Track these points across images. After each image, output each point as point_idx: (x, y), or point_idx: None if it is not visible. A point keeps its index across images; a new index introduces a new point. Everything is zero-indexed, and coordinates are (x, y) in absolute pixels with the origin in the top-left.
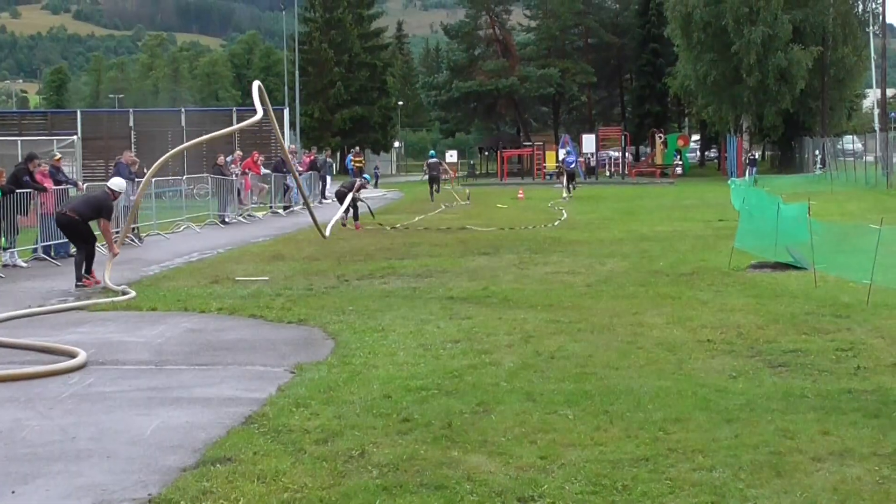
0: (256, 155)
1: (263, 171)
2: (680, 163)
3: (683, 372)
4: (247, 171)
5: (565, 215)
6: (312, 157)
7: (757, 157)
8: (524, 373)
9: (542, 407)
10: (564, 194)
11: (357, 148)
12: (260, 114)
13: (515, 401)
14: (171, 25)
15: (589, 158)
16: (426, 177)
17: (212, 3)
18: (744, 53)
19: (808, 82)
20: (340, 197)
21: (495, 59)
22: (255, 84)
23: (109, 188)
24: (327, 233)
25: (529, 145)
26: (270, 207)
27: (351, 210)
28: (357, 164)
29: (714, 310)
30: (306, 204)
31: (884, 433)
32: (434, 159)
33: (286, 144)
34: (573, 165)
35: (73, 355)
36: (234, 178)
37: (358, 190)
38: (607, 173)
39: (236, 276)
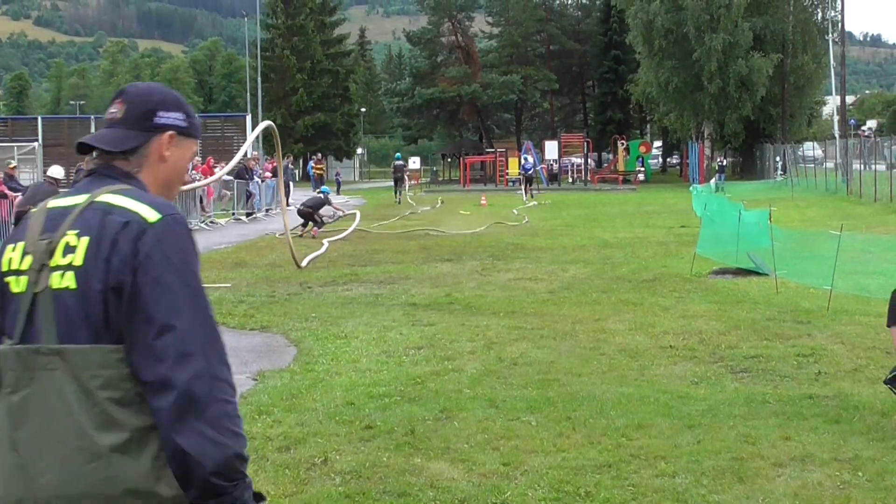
0: (212, 161)
1: (225, 176)
2: (642, 169)
3: (646, 378)
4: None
5: (526, 220)
6: (276, 164)
7: (725, 164)
8: (487, 379)
9: (505, 413)
10: (524, 199)
11: (318, 155)
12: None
13: (478, 407)
14: (133, 32)
15: (551, 165)
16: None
17: (173, 10)
18: (705, 61)
19: (768, 89)
20: (305, 216)
21: (458, 66)
22: (267, 124)
23: (50, 177)
24: (304, 263)
25: (492, 152)
26: (233, 214)
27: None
28: (318, 171)
29: (676, 316)
30: (286, 231)
31: (844, 438)
32: (400, 161)
33: (248, 151)
34: (531, 171)
35: None
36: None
37: (319, 208)
38: (570, 180)
39: None
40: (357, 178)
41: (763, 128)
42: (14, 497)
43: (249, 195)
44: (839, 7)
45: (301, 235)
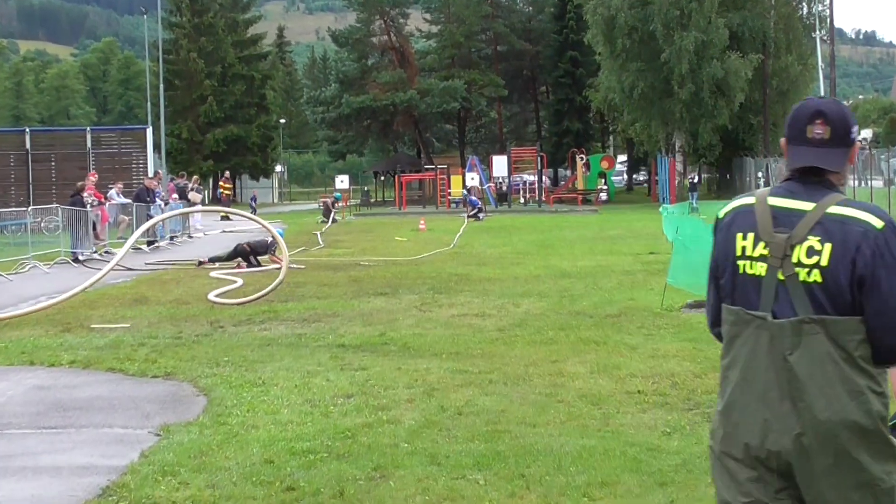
0: (94, 176)
1: (121, 200)
2: (605, 187)
3: (610, 428)
4: (102, 200)
5: (455, 243)
6: (182, 184)
7: (699, 181)
8: (427, 432)
9: (449, 471)
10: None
11: (227, 173)
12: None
13: (417, 464)
14: (13, 31)
15: (500, 183)
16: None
17: (60, 6)
18: (675, 62)
19: (747, 95)
20: (241, 253)
21: (391, 70)
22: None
23: None
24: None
25: (432, 169)
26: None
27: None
28: (226, 192)
29: (645, 356)
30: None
31: None
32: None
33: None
34: (479, 204)
35: None
36: (89, 208)
37: (262, 252)
38: (521, 200)
39: (92, 323)
40: (276, 200)
41: (742, 139)
42: (786, 434)
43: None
44: (827, 0)
45: (200, 263)
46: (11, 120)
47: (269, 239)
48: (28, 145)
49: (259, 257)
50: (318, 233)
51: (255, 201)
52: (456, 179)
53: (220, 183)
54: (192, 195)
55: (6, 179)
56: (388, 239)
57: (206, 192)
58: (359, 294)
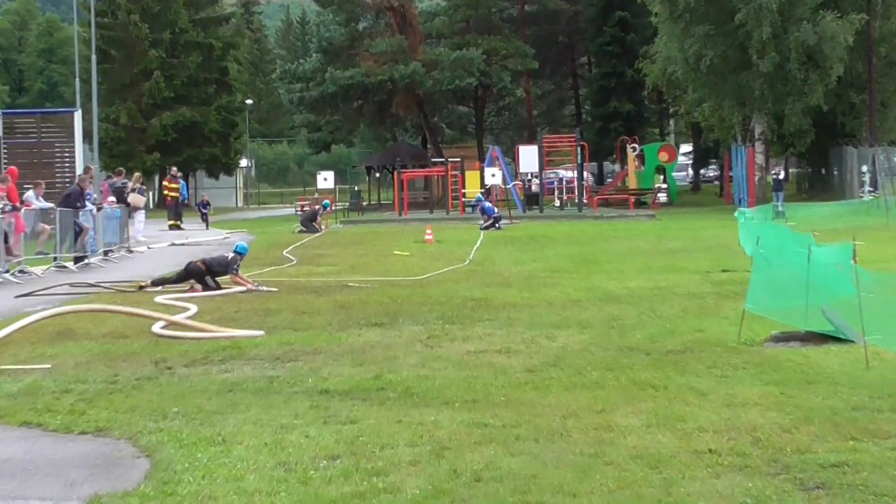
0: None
1: (42, 204)
2: (664, 186)
3: (673, 499)
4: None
5: (471, 258)
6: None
7: (783, 177)
8: (436, 503)
9: None
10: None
11: (174, 169)
12: None
13: None
14: None
15: (529, 181)
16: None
17: None
18: (753, 25)
19: (848, 67)
20: (194, 273)
21: (389, 37)
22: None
23: None
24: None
25: (441, 163)
26: (55, 259)
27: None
28: (170, 195)
29: (717, 404)
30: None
31: None
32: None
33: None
34: (495, 212)
35: None
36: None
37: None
38: (556, 202)
39: (2, 364)
40: (241, 204)
41: (841, 123)
42: None
43: (80, 230)
44: None
45: (142, 287)
46: None
47: (230, 255)
48: None
49: (217, 278)
50: (287, 251)
51: (205, 207)
52: (472, 176)
53: (165, 182)
54: (132, 198)
55: None
56: (386, 253)
57: (151, 194)
58: (347, 324)
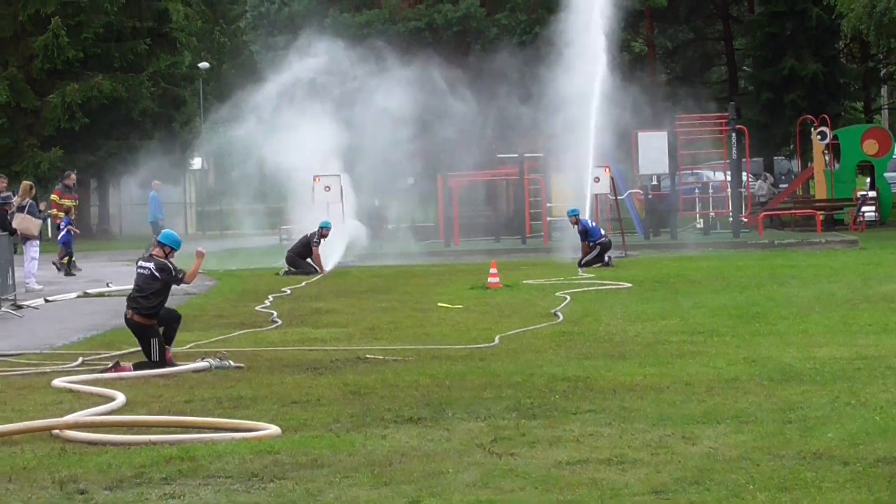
0: None
1: None
2: (871, 194)
3: None
4: None
5: (560, 317)
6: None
7: None
8: None
9: None
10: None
11: (73, 175)
12: None
13: None
14: None
15: (650, 188)
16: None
17: None
18: None
19: None
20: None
21: None
22: None
23: None
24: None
25: (514, 160)
26: None
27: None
28: (60, 214)
29: None
30: None
31: None
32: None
33: None
34: (603, 238)
35: None
36: None
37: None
38: (698, 221)
39: None
40: (192, 228)
41: None
42: None
43: None
44: None
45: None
46: None
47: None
48: None
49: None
50: (264, 305)
51: (68, 232)
52: (560, 181)
53: (54, 196)
54: (19, 221)
55: None
56: (425, 305)
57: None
58: (364, 421)
